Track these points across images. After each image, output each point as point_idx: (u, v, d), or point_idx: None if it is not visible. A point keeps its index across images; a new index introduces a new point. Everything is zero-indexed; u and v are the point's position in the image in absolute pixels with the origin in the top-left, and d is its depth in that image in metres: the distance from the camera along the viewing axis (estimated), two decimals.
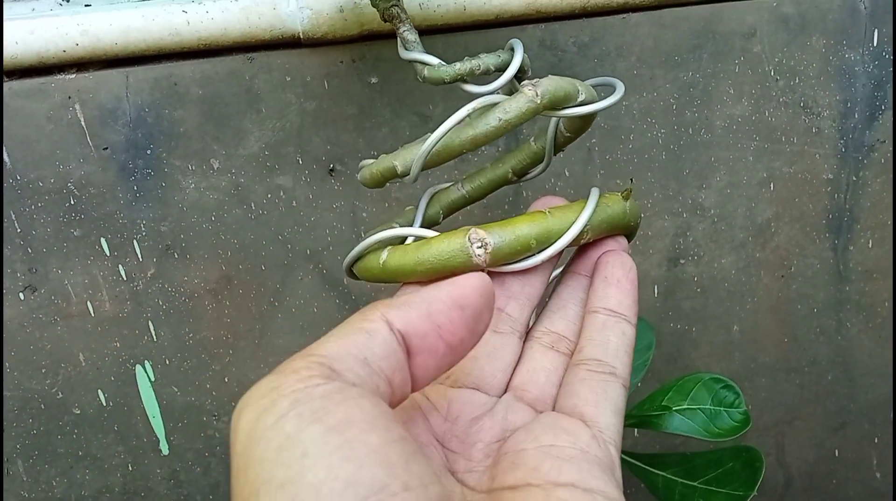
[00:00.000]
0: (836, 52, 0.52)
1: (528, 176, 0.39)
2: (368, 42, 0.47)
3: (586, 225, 0.31)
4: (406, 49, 0.36)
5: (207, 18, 0.43)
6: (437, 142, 0.31)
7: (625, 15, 0.49)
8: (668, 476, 0.44)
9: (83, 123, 0.45)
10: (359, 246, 0.34)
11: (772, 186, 0.55)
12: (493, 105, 0.31)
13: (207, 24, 0.43)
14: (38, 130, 0.45)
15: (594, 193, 0.32)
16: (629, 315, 0.31)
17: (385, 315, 0.25)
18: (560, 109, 0.32)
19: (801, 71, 0.52)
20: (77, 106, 0.45)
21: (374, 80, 0.48)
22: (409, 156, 0.32)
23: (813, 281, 0.58)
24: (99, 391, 0.52)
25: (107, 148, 0.46)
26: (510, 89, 0.34)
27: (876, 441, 0.65)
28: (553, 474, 0.25)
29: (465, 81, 0.34)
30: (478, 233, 0.30)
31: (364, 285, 0.52)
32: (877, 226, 0.57)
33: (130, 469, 0.54)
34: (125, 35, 0.43)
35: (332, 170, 0.49)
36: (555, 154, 0.37)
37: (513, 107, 0.30)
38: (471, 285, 0.26)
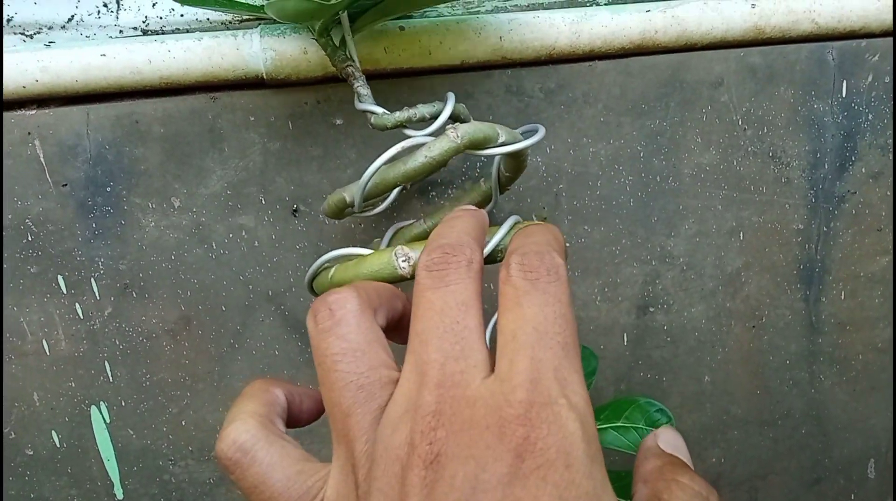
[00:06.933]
0: (804, 103, 0.52)
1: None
2: (333, 84, 0.47)
3: (499, 245, 0.35)
4: (360, 101, 0.40)
5: (169, 57, 0.43)
6: (371, 175, 0.37)
7: (591, 63, 0.49)
8: None
9: (42, 160, 0.45)
10: (315, 264, 0.39)
11: (741, 235, 0.55)
12: (422, 145, 0.36)
13: (169, 63, 0.43)
14: None
15: (511, 219, 0.36)
16: None
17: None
18: (483, 149, 0.37)
19: (769, 121, 0.52)
20: (37, 142, 0.45)
21: (338, 121, 0.48)
22: (356, 187, 0.38)
23: (785, 332, 0.58)
24: (53, 432, 0.50)
25: (66, 185, 0.46)
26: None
27: (852, 497, 0.63)
28: None
29: (406, 127, 0.39)
30: (403, 250, 0.34)
31: None
32: (849, 277, 0.57)
33: None
34: (85, 73, 0.43)
35: (295, 210, 0.49)
36: (501, 193, 0.44)
37: (436, 147, 0.36)
38: None
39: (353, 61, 0.40)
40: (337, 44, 0.40)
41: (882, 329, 0.59)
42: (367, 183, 0.37)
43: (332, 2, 0.35)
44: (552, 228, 0.33)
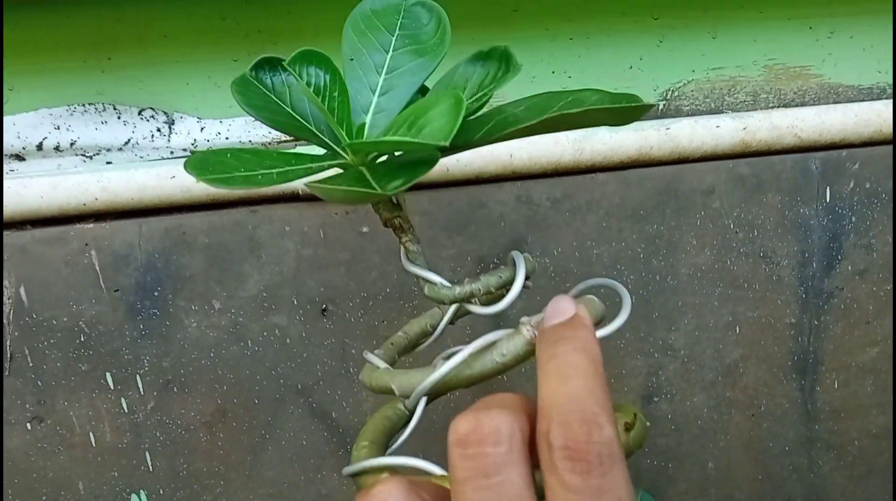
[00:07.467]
0: (791, 208, 0.57)
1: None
2: None
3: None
4: (409, 260, 0.35)
5: None
6: (432, 385, 0.31)
7: (593, 174, 0.54)
8: None
9: (97, 268, 0.50)
10: (366, 463, 0.31)
11: (737, 329, 0.58)
12: (492, 344, 0.31)
13: None
14: (56, 273, 0.50)
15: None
16: None
17: None
18: None
19: (758, 224, 0.57)
20: (93, 252, 0.50)
21: (365, 229, 0.52)
22: (407, 382, 0.32)
23: (783, 420, 0.61)
24: None
25: (118, 290, 0.50)
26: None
27: None
28: None
29: (469, 303, 0.33)
30: None
31: (352, 420, 0.55)
32: (841, 368, 0.61)
33: None
34: (141, 192, 0.48)
35: (324, 310, 0.53)
36: None
37: (510, 349, 0.30)
38: None
39: (402, 211, 0.34)
40: None
41: (875, 416, 0.62)
42: (426, 390, 0.31)
43: (389, 189, 0.28)
44: (587, 343, 0.29)
